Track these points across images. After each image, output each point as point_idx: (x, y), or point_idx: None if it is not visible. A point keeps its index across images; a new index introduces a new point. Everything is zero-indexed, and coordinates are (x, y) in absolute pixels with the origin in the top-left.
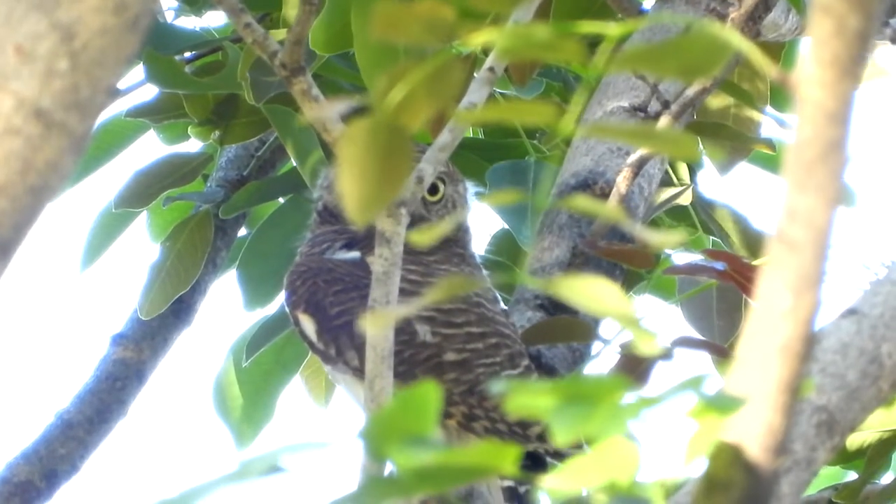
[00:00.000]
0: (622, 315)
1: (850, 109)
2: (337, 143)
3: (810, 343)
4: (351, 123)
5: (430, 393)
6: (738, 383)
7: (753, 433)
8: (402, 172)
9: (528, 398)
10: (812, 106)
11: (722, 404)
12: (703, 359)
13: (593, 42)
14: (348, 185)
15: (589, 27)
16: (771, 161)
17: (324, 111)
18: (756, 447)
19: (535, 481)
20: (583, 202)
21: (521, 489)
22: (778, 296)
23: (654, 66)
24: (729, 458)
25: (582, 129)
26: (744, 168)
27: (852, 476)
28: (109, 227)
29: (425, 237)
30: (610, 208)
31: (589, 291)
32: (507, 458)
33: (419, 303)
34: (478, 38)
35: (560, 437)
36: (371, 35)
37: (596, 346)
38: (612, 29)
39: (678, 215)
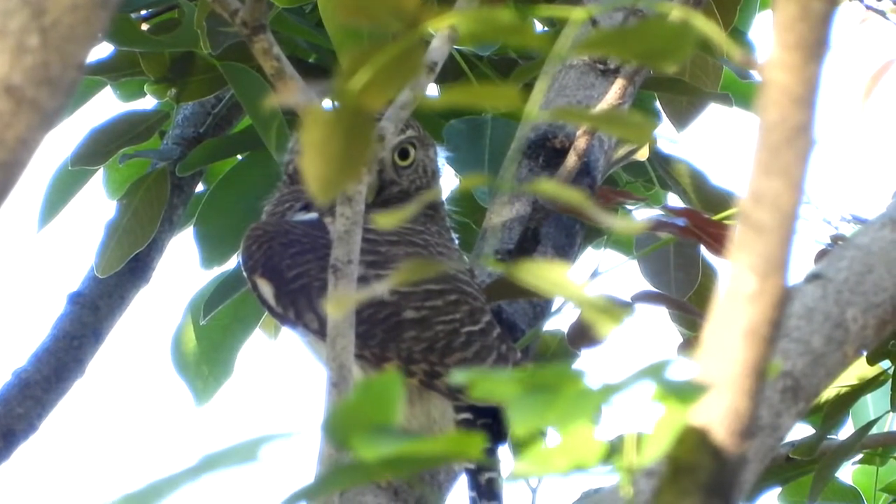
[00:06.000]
0: (579, 298)
1: (815, 93)
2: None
3: (776, 327)
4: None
5: (393, 381)
6: (705, 367)
7: (720, 417)
8: (363, 155)
9: (489, 386)
10: (777, 90)
11: (685, 392)
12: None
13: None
14: (310, 166)
15: (552, 11)
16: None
17: (293, 96)
18: (722, 431)
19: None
20: (546, 186)
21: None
22: (743, 279)
23: (617, 51)
24: (695, 442)
25: (541, 114)
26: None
27: (807, 430)
28: (66, 184)
29: (393, 219)
30: (573, 194)
31: (544, 274)
32: (472, 446)
33: (385, 285)
34: (441, 22)
35: (520, 427)
36: (335, 19)
37: (557, 302)
38: (575, 13)
39: (635, 171)
